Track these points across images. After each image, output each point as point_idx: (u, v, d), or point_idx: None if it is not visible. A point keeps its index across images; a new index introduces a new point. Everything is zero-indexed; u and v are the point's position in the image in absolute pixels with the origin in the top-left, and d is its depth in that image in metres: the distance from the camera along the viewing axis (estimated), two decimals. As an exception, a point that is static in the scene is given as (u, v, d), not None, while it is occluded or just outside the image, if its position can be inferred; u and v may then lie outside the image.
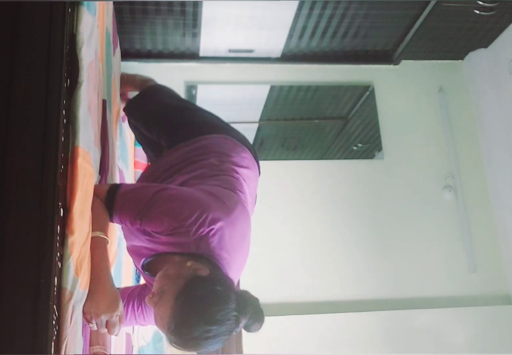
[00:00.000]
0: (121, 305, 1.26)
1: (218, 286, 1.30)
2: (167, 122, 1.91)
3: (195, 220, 1.33)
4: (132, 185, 1.55)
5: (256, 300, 1.36)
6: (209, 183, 1.53)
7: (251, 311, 1.32)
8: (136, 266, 1.62)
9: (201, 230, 1.34)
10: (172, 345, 1.29)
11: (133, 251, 1.54)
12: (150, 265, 1.48)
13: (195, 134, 1.78)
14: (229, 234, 1.39)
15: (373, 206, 3.10)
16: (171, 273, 1.33)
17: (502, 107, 3.14)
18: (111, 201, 1.39)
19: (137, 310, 1.63)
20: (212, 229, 1.35)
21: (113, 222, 1.43)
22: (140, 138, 2.13)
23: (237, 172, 1.64)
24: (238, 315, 1.29)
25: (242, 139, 1.83)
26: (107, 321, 1.22)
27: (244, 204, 1.54)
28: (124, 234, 1.56)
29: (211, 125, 1.87)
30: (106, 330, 1.23)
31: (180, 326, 1.25)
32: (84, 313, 1.17)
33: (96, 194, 1.34)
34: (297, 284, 2.91)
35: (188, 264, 1.33)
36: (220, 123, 1.92)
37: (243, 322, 1.31)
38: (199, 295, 1.27)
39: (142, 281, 1.85)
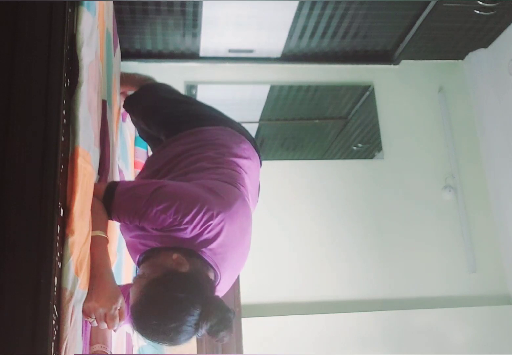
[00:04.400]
0: (121, 299, 1.25)
1: (188, 286, 1.30)
2: (164, 115, 1.91)
3: (192, 217, 1.34)
4: (130, 183, 1.54)
5: (227, 310, 1.32)
6: (208, 177, 1.53)
7: (215, 320, 1.29)
8: (134, 262, 1.62)
9: (199, 226, 1.35)
10: (133, 329, 1.31)
11: (130, 246, 1.54)
12: (146, 261, 1.48)
13: (192, 126, 1.77)
14: (228, 229, 1.40)
15: (373, 206, 3.10)
16: (156, 261, 1.36)
17: (502, 107, 3.14)
18: (109, 199, 1.40)
19: None
20: (210, 225, 1.36)
21: (111, 220, 1.43)
22: (142, 134, 2.13)
23: (237, 165, 1.63)
24: (198, 320, 1.28)
25: (241, 131, 1.82)
26: (106, 315, 1.21)
27: (245, 198, 1.54)
28: (121, 229, 1.57)
29: (208, 117, 1.86)
30: (105, 325, 1.22)
31: (139, 313, 1.28)
32: (83, 308, 1.17)
33: (94, 193, 1.34)
34: (296, 284, 2.90)
35: (174, 256, 1.34)
36: (219, 115, 1.91)
37: (204, 328, 1.29)
38: (167, 290, 1.29)
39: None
